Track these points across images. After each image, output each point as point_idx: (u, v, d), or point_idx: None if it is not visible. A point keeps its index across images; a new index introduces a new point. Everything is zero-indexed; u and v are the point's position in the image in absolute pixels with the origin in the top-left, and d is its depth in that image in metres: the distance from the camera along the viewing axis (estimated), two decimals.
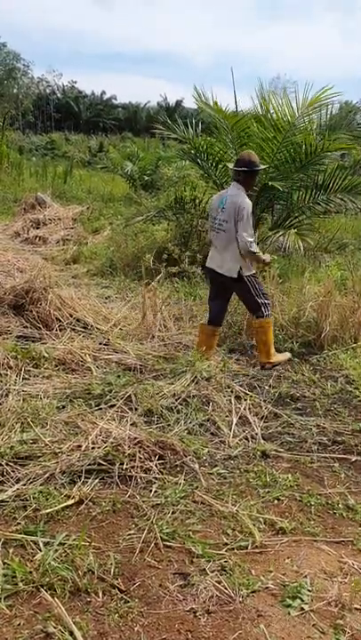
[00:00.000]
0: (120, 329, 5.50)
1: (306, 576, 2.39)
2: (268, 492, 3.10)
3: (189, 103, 55.35)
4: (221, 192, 4.94)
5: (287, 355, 5.05)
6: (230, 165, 4.80)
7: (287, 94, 7.06)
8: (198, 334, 5.04)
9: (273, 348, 4.92)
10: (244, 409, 4.05)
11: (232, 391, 4.27)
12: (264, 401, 4.24)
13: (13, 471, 3.10)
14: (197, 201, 8.36)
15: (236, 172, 4.69)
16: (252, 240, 4.56)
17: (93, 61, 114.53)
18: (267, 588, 2.32)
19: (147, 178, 15.90)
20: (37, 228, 11.38)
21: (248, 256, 4.59)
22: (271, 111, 7.05)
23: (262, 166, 4.85)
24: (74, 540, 2.56)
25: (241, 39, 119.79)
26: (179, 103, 58.12)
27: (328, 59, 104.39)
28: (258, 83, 7.22)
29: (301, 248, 6.98)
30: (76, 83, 62.44)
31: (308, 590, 2.29)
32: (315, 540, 2.69)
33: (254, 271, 4.83)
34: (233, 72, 7.16)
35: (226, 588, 2.30)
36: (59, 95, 60.26)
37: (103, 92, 61.83)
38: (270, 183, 6.59)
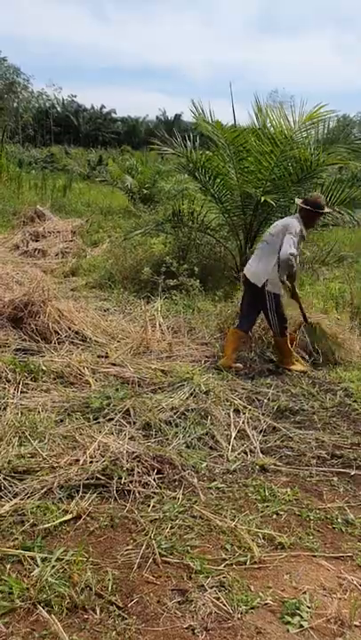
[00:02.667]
0: (118, 342, 5.49)
1: (305, 592, 2.38)
2: (267, 506, 3.08)
3: (188, 117, 55.81)
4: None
5: (305, 368, 5.21)
6: (298, 201, 5.22)
7: (283, 109, 7.13)
8: (227, 337, 5.32)
9: (290, 357, 5.21)
10: (243, 422, 4.04)
11: (231, 404, 4.27)
12: (263, 414, 4.23)
13: (11, 485, 3.08)
14: (195, 214, 8.40)
15: (301, 207, 5.10)
16: (294, 254, 4.85)
17: (93, 75, 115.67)
18: (266, 604, 2.30)
19: (145, 191, 15.99)
20: (36, 241, 11.40)
21: (284, 267, 4.91)
22: (269, 125, 7.11)
23: (327, 210, 5.22)
24: (71, 555, 2.54)
25: (240, 53, 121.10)
26: (178, 117, 58.59)
27: (327, 72, 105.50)
28: (255, 97, 7.26)
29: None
30: (75, 97, 62.86)
31: (308, 607, 2.27)
32: (314, 556, 2.67)
33: (278, 292, 5.09)
34: (231, 86, 7.21)
35: (224, 605, 2.28)
36: (58, 109, 60.65)
37: (103, 106, 62.27)
38: (263, 198, 6.63)
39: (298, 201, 5.23)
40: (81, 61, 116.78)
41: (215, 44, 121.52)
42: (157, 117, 60.71)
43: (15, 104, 46.65)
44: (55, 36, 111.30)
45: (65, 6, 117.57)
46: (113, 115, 63.16)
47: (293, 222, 5.02)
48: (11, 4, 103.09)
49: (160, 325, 5.92)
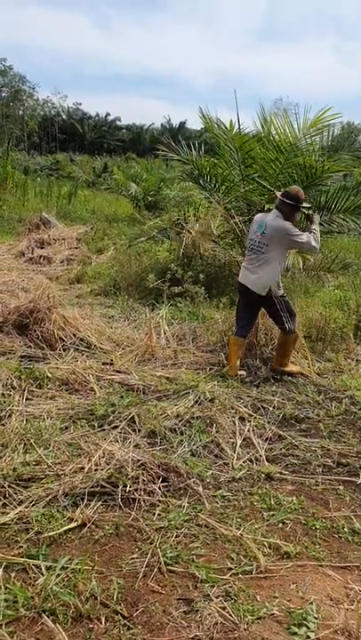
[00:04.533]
0: (123, 349, 5.49)
1: (312, 602, 2.35)
2: (273, 515, 3.07)
3: (192, 124, 56.06)
4: (263, 214, 5.24)
5: (298, 368, 5.27)
6: (278, 194, 5.16)
7: (288, 115, 7.15)
8: (229, 346, 5.22)
9: (288, 359, 5.23)
10: (248, 430, 4.03)
11: (236, 412, 4.26)
12: (268, 422, 4.22)
13: (16, 493, 3.07)
14: (200, 221, 8.41)
15: (282, 202, 5.00)
16: (311, 239, 4.92)
17: (98, 84, 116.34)
18: (272, 614, 2.28)
19: (150, 198, 16.04)
20: (42, 248, 11.45)
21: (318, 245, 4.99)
22: (273, 132, 7.12)
23: (306, 204, 5.17)
24: (76, 564, 2.53)
25: (242, 62, 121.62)
26: (182, 124, 58.88)
27: (330, 80, 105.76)
28: (259, 104, 7.27)
29: (301, 267, 7.00)
30: (80, 104, 63.36)
31: (315, 617, 2.25)
32: (320, 565, 2.65)
33: (282, 292, 5.12)
34: (236, 94, 7.21)
35: (230, 615, 2.26)
36: (64, 117, 61.06)
37: (107, 114, 62.65)
38: (266, 207, 6.63)
39: (278, 193, 5.14)
40: (85, 70, 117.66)
41: (218, 52, 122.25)
42: (162, 125, 61.04)
43: (21, 112, 47.07)
44: (60, 46, 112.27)
45: (69, 16, 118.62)
46: (118, 122, 63.55)
47: (283, 224, 4.90)
48: (16, 13, 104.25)
49: (165, 333, 5.92)
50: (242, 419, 4.20)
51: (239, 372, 5.05)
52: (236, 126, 7.15)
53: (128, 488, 3.15)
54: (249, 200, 7.29)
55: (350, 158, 7.39)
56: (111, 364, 5.07)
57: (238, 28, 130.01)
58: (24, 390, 4.34)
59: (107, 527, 2.87)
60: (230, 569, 2.58)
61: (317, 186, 7.28)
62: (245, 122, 7.26)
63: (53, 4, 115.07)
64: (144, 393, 4.50)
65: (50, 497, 3.04)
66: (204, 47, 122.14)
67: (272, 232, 4.93)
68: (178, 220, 8.53)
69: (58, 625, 2.16)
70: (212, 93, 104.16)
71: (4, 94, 46.71)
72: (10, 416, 3.95)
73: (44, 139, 54.95)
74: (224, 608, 2.31)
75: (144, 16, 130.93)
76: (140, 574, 2.52)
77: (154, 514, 3.00)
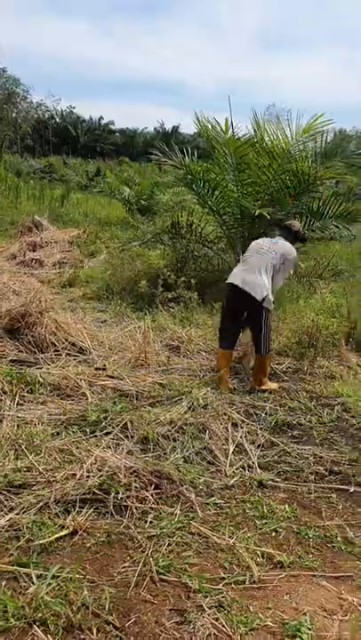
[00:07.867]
0: (116, 354, 5.46)
1: (305, 613, 2.33)
2: (266, 523, 3.05)
3: (186, 129, 56.19)
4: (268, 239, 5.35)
5: (276, 385, 5.08)
6: (295, 227, 5.44)
7: (280, 122, 7.18)
8: (218, 361, 5.13)
9: (266, 376, 5.04)
10: (241, 437, 4.01)
11: (229, 418, 4.24)
12: (261, 428, 4.21)
13: (7, 500, 3.03)
14: (194, 226, 8.41)
15: (288, 232, 5.30)
16: (281, 285, 5.27)
17: (92, 87, 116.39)
18: (266, 625, 2.26)
19: (143, 202, 16.03)
20: (34, 251, 11.39)
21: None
22: (266, 139, 7.14)
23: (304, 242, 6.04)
24: (68, 572, 2.50)
25: (240, 69, 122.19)
26: (175, 129, 59.03)
27: (333, 89, 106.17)
28: (252, 110, 7.26)
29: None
30: (74, 108, 63.24)
31: (308, 629, 2.23)
32: (314, 575, 2.64)
33: (272, 309, 4.99)
34: (230, 99, 7.21)
35: (224, 626, 2.24)
36: (57, 120, 60.96)
37: (101, 118, 62.62)
38: (258, 212, 6.65)
39: (295, 227, 5.41)
40: (80, 74, 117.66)
41: (217, 59, 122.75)
42: (155, 129, 61.17)
43: (14, 114, 46.85)
44: (54, 49, 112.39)
45: (66, 19, 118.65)
46: (111, 126, 63.56)
47: (294, 253, 5.12)
48: (11, 15, 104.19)
49: (158, 338, 5.90)
50: (235, 425, 4.18)
51: (230, 385, 5.00)
52: (231, 130, 7.18)
53: (120, 495, 3.12)
54: (242, 205, 7.30)
55: (343, 165, 7.43)
56: (104, 369, 5.03)
57: (240, 35, 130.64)
58: (15, 395, 4.29)
59: (98, 535, 2.83)
60: (223, 579, 2.56)
61: (310, 192, 7.32)
62: (243, 128, 7.25)
63: (55, 10, 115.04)
64: (137, 399, 4.46)
65: (41, 504, 3.00)
66: (204, 54, 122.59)
67: (283, 246, 5.06)
68: (172, 224, 8.51)
69: (49, 636, 2.13)
70: (211, 99, 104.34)
71: None
72: (1, 421, 3.90)
73: (37, 142, 54.78)
74: (217, 619, 2.28)
75: (143, 21, 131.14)
76: (132, 583, 2.49)
77: (146, 521, 2.97)
